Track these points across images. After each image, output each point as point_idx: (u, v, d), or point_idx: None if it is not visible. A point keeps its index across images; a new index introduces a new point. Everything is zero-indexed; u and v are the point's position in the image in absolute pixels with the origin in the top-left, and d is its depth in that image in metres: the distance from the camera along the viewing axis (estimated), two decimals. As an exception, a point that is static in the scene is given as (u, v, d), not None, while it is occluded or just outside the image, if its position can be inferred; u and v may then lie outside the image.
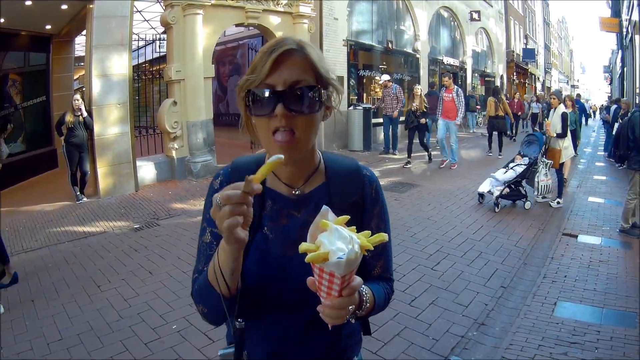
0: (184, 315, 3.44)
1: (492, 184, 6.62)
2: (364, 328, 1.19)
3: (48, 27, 9.20)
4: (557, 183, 6.97)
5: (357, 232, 0.83)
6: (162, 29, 10.01)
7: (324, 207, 0.85)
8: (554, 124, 6.85)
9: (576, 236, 5.43)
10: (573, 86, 66.70)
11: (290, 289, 1.00)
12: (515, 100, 15.93)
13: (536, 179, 6.75)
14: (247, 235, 0.82)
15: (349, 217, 0.84)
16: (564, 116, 6.74)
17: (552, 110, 7.17)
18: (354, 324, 1.11)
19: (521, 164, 6.81)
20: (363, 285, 0.92)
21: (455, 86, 9.23)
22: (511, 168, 6.82)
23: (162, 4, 10.38)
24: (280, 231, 1.03)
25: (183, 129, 8.23)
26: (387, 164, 9.63)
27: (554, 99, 7.28)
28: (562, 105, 6.99)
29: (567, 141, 6.91)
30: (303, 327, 1.02)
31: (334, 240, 0.78)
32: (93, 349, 3.04)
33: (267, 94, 0.92)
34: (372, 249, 0.82)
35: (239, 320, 0.99)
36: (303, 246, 0.79)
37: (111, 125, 7.28)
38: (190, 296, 1.06)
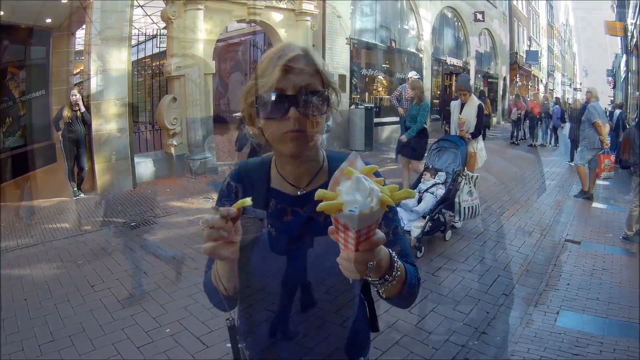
0: (177, 319, 3.36)
1: (403, 220, 4.63)
2: (372, 324, 1.20)
3: (48, 20, 9.08)
4: None
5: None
6: (163, 24, 9.91)
7: (353, 153, 0.82)
8: (469, 121, 5.43)
9: (579, 242, 5.35)
10: (576, 89, 66.49)
11: (293, 284, 1.05)
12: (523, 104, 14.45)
13: (457, 200, 4.98)
14: (233, 252, 0.90)
15: (377, 167, 0.81)
16: (480, 109, 5.43)
17: (454, 102, 5.77)
18: (361, 319, 1.15)
19: (438, 184, 5.05)
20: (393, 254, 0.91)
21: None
22: (426, 191, 5.00)
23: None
24: (283, 227, 1.06)
25: (182, 126, 8.13)
26: (389, 165, 9.52)
27: (463, 94, 5.58)
28: (474, 97, 5.66)
29: (481, 142, 5.69)
30: (308, 323, 1.05)
31: (353, 191, 0.73)
32: (84, 351, 2.97)
33: (278, 98, 0.96)
34: (394, 205, 0.76)
35: (228, 319, 1.08)
36: (320, 192, 0.74)
37: (109, 120, 7.18)
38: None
